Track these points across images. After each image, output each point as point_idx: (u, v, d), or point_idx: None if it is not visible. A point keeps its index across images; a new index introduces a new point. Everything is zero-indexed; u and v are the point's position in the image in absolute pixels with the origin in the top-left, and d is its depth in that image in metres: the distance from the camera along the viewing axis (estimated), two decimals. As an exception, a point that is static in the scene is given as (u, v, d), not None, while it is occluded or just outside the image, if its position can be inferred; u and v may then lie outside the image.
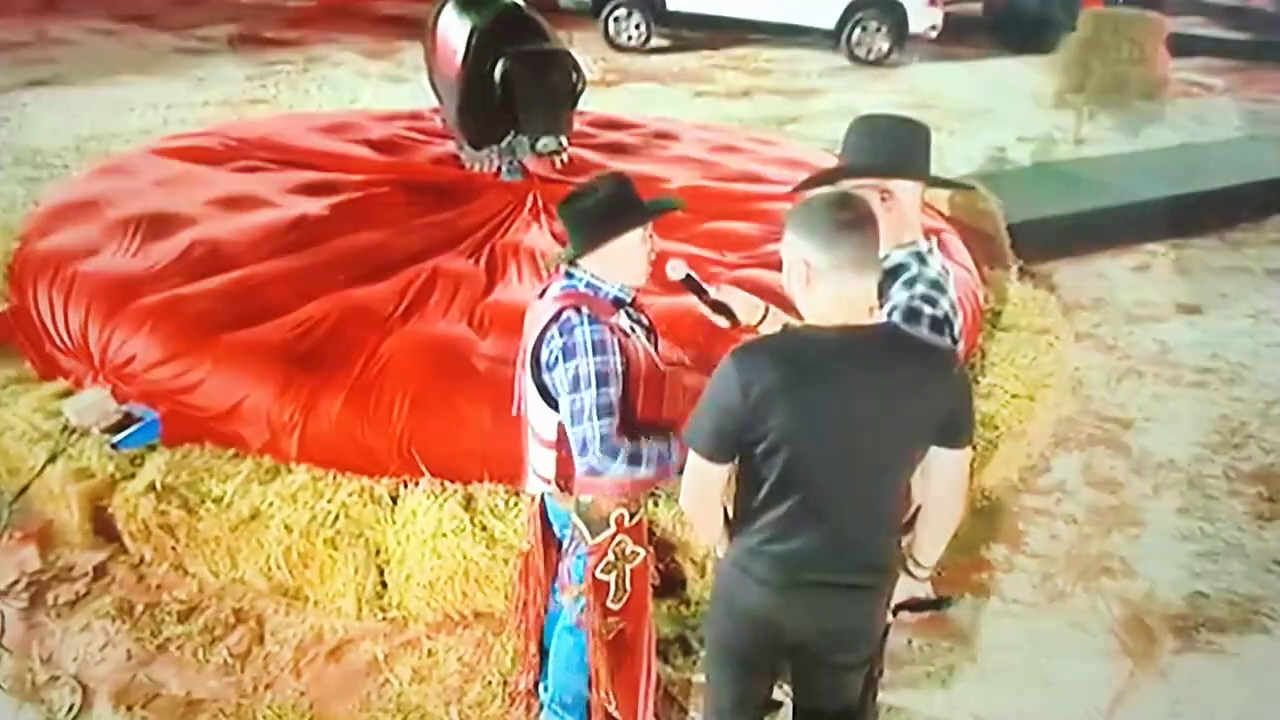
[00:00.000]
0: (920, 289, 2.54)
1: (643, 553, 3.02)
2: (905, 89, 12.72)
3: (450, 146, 6.55)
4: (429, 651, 3.80)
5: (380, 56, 13.08)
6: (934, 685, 3.71)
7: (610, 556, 2.98)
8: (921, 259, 2.62)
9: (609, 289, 2.82)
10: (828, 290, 2.26)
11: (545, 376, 2.78)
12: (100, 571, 4.15)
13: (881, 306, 2.49)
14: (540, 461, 2.95)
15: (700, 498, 2.48)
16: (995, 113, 11.70)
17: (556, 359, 2.71)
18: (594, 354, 2.68)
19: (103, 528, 4.21)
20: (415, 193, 5.92)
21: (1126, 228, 7.81)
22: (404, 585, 3.91)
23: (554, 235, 5.49)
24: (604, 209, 2.78)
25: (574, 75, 5.70)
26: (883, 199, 2.55)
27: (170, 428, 4.36)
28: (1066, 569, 4.35)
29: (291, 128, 7.20)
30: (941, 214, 6.52)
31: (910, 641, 3.87)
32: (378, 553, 3.92)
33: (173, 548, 4.11)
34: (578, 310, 2.72)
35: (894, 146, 2.64)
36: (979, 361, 5.16)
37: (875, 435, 2.28)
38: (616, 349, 2.72)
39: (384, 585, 3.98)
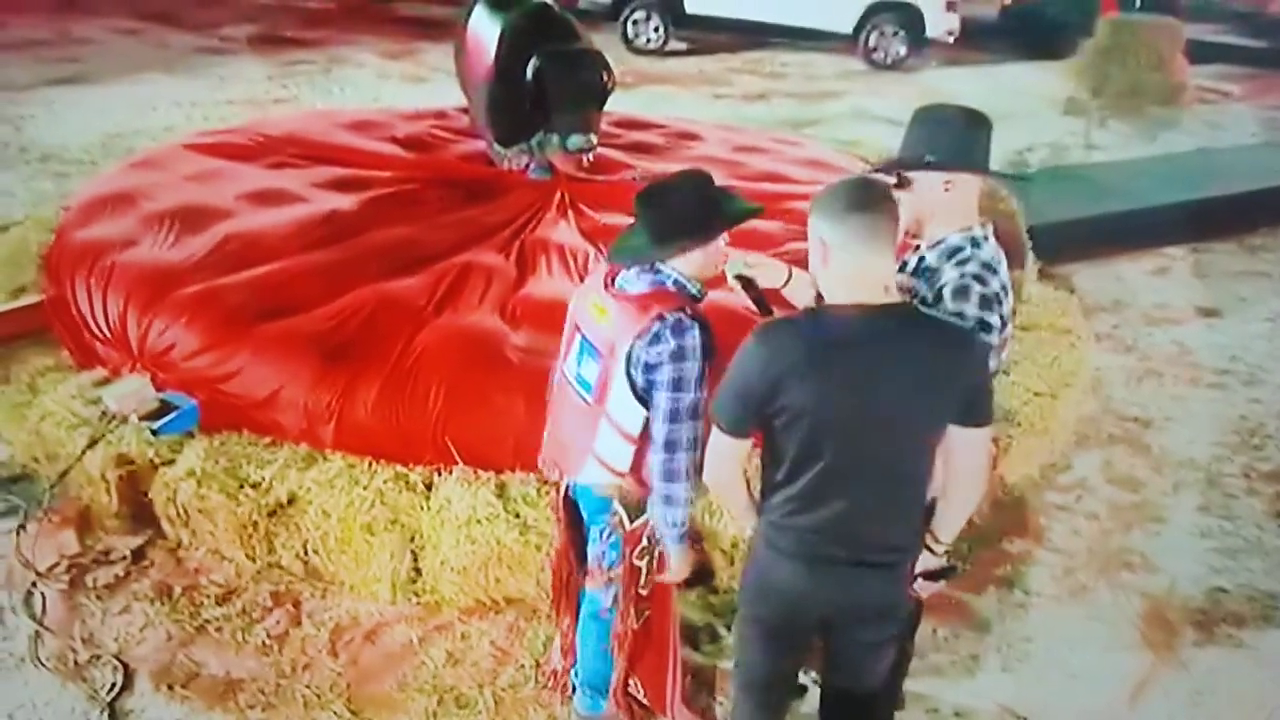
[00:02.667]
0: (972, 268, 2.63)
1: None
2: (921, 93, 12.73)
3: (478, 144, 6.63)
4: (462, 635, 3.88)
5: (400, 57, 13.17)
6: (959, 674, 3.78)
7: (645, 542, 3.06)
8: (976, 242, 2.70)
9: (692, 288, 2.85)
10: (843, 267, 2.36)
11: (638, 373, 2.77)
12: (139, 555, 4.23)
13: (935, 285, 2.61)
14: (614, 453, 2.92)
15: (722, 471, 2.58)
16: (1012, 118, 11.70)
17: (663, 360, 2.71)
18: (700, 357, 2.73)
19: (140, 512, 4.30)
20: (445, 189, 6.00)
21: (1145, 231, 7.86)
22: (438, 570, 3.99)
23: (581, 232, 5.57)
24: (698, 212, 2.80)
25: (604, 74, 5.78)
26: (945, 189, 2.67)
27: (208, 415, 4.44)
28: (1088, 563, 4.41)
29: (319, 125, 7.28)
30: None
31: (935, 631, 3.93)
32: (412, 538, 4.00)
33: (210, 532, 4.19)
34: (685, 313, 2.75)
35: (954, 139, 2.72)
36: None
37: (893, 411, 2.35)
38: (712, 353, 2.77)
39: (418, 570, 4.05)
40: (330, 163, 6.37)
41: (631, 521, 3.04)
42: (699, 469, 2.75)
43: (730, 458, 2.54)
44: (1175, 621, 4.11)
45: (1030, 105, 12.34)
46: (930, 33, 13.91)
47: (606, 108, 6.40)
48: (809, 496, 2.46)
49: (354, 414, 4.25)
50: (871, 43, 13.98)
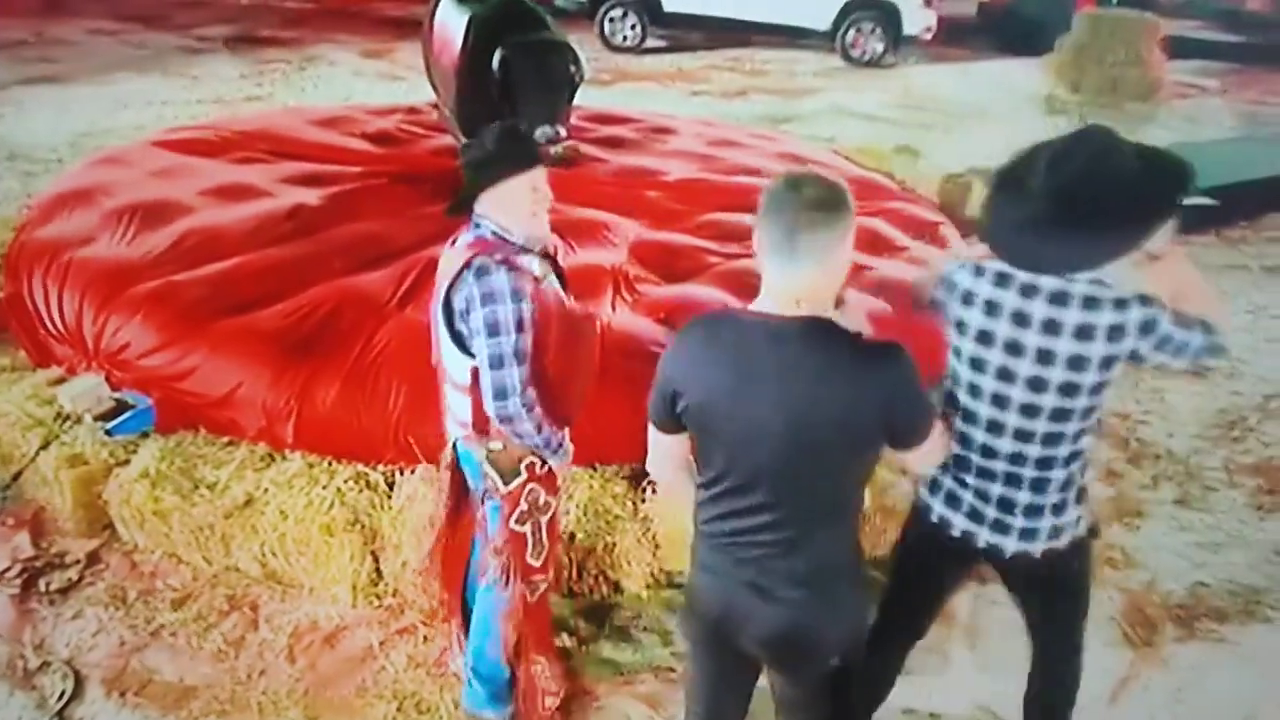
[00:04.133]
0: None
1: (553, 504, 3.09)
2: (899, 90, 12.73)
3: (448, 139, 6.53)
4: (425, 639, 3.76)
5: (376, 56, 13.07)
6: (931, 673, 3.68)
7: (524, 505, 2.99)
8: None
9: (514, 237, 2.84)
10: (762, 269, 2.21)
11: (459, 323, 2.81)
12: (93, 558, 4.12)
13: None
14: (457, 406, 2.97)
15: (655, 462, 2.53)
16: (989, 114, 11.70)
17: (472, 305, 2.73)
18: (510, 300, 2.72)
19: (96, 514, 4.18)
20: (412, 184, 5.89)
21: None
22: (400, 572, 3.89)
23: (551, 226, 5.45)
24: (489, 153, 2.81)
25: (572, 65, 5.69)
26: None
27: (164, 414, 4.34)
28: (1066, 558, 4.33)
29: (289, 121, 7.19)
30: (938, 207, 6.50)
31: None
32: (373, 539, 3.89)
33: (166, 535, 4.08)
34: (491, 256, 2.76)
35: None
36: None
37: (799, 428, 2.17)
38: (528, 296, 2.76)
39: (379, 572, 3.95)
40: (297, 158, 6.26)
41: (505, 484, 2.98)
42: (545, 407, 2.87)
43: (661, 451, 2.47)
44: (1156, 617, 4.03)
45: (1008, 102, 12.29)
46: (908, 30, 13.88)
47: (581, 102, 6.31)
48: (718, 507, 2.35)
49: (313, 412, 4.15)
50: (849, 40, 13.93)
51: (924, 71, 13.83)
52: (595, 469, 4.09)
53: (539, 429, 2.87)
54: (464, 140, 6.00)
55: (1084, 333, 2.40)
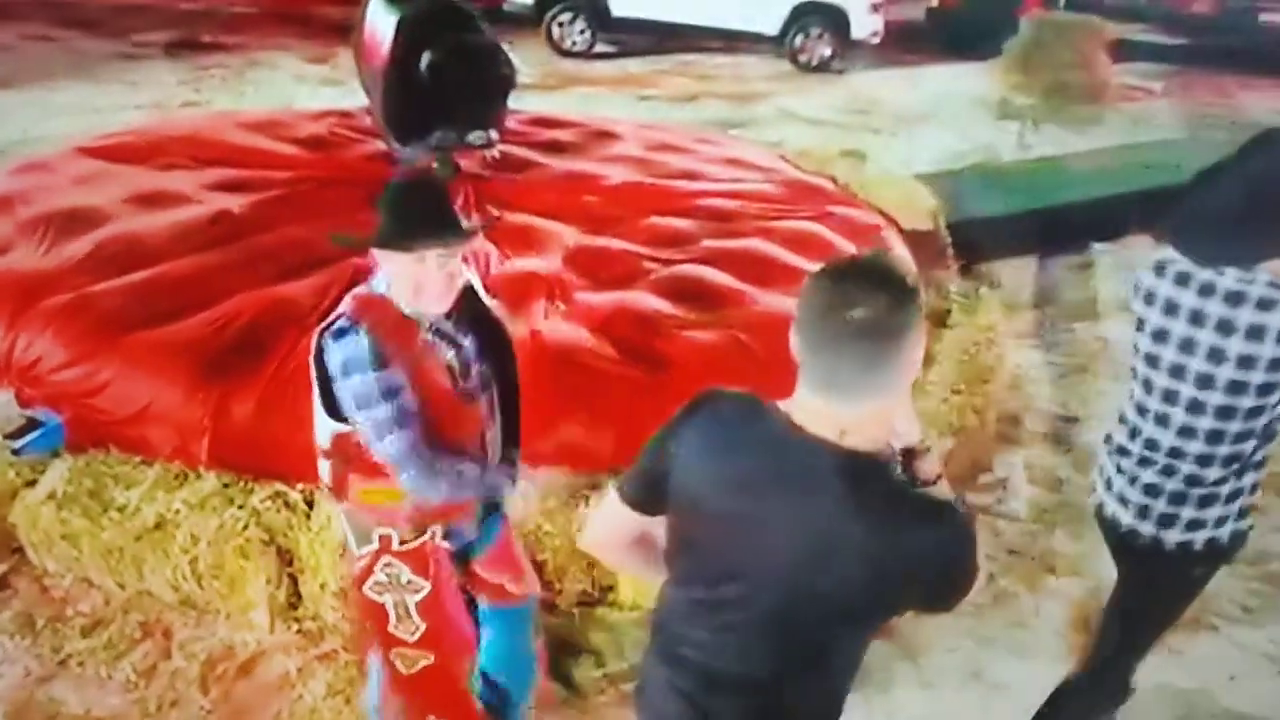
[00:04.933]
0: None
1: (426, 586, 2.73)
2: (847, 94, 12.69)
3: (382, 144, 6.36)
4: (345, 665, 3.61)
5: (318, 60, 12.85)
6: (872, 690, 3.57)
7: (380, 575, 2.73)
8: None
9: (403, 306, 2.51)
10: (801, 380, 1.77)
11: (327, 385, 2.51)
12: (2, 583, 3.94)
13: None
14: (320, 466, 2.71)
15: (600, 535, 2.16)
16: (937, 117, 11.68)
17: (335, 375, 2.46)
18: (373, 368, 2.43)
19: (3, 538, 3.99)
20: (343, 190, 5.70)
21: (1067, 228, 7.75)
22: (319, 595, 3.72)
23: (485, 233, 5.32)
24: (403, 216, 2.46)
25: (504, 67, 5.54)
26: None
27: (75, 432, 4.14)
28: (1010, 568, 4.24)
29: (218, 125, 6.97)
30: (881, 212, 6.42)
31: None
32: (291, 562, 3.74)
33: (76, 559, 3.90)
34: (358, 322, 2.44)
35: None
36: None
37: (808, 573, 1.78)
38: (399, 362, 2.46)
39: (298, 596, 3.80)
40: (224, 164, 6.06)
41: (358, 546, 2.74)
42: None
43: (614, 525, 2.09)
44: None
45: (956, 106, 12.27)
46: (855, 34, 13.84)
47: (527, 107, 6.16)
48: (679, 612, 2.03)
49: (228, 428, 3.97)
50: (798, 45, 13.86)
51: (872, 76, 13.79)
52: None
53: (462, 477, 2.61)
54: (394, 151, 5.89)
55: (1255, 333, 2.47)
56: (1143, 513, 2.81)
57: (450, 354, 2.59)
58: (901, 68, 14.24)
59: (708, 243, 5.33)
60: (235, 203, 5.43)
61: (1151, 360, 2.72)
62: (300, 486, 3.88)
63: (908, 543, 1.73)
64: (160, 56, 12.90)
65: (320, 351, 2.48)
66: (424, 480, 2.53)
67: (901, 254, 5.68)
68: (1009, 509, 4.60)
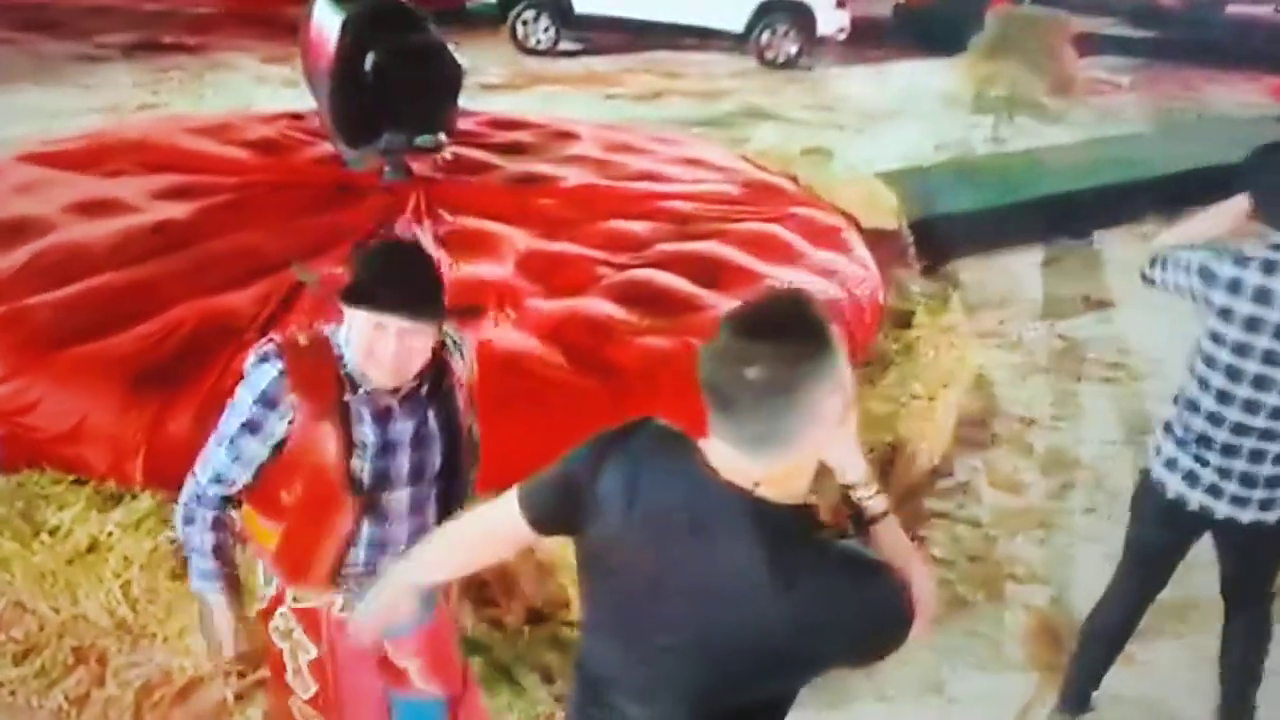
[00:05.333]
0: None
1: (314, 650, 2.55)
2: (814, 92, 12.63)
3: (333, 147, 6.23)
4: (285, 689, 3.49)
5: (279, 61, 12.64)
6: (824, 706, 3.48)
7: (278, 623, 2.58)
8: None
9: (348, 359, 2.30)
10: (712, 433, 1.64)
11: None
12: (-69, 611, 3.80)
13: None
14: None
15: (470, 531, 2.00)
16: (903, 114, 11.64)
17: (240, 385, 2.33)
18: (259, 402, 2.27)
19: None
20: (292, 194, 5.60)
21: (1034, 223, 7.72)
22: (257, 619, 3.60)
23: (436, 238, 5.21)
24: (367, 269, 2.26)
25: (451, 69, 5.42)
26: None
27: (8, 451, 4.00)
28: (969, 575, 4.16)
29: (167, 130, 6.83)
30: (841, 211, 6.34)
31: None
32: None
33: (9, 583, 3.75)
34: (280, 353, 2.29)
35: None
36: (878, 363, 4.98)
37: (722, 629, 1.65)
38: (289, 411, 2.27)
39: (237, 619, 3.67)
40: (172, 170, 5.91)
41: (265, 584, 2.58)
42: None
43: (496, 530, 1.92)
44: (1062, 637, 3.86)
45: (922, 102, 12.23)
46: (822, 31, 13.79)
47: (490, 107, 6.04)
48: (587, 664, 1.90)
49: (164, 445, 3.82)
50: (764, 41, 13.79)
51: (839, 73, 13.73)
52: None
53: (184, 522, 2.44)
54: (344, 152, 5.76)
55: None
56: (1238, 501, 2.97)
57: (368, 431, 2.33)
58: (868, 64, 14.19)
59: (663, 246, 5.23)
60: (180, 210, 5.29)
61: (1240, 349, 2.81)
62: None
63: (827, 600, 1.61)
64: (120, 59, 12.72)
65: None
66: (181, 526, 2.44)
67: (863, 256, 5.60)
68: (969, 514, 4.52)
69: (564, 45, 14.03)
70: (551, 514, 1.83)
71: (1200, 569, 3.97)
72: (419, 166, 5.88)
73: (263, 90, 11.31)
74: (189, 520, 2.44)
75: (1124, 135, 10.86)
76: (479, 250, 5.12)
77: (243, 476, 2.37)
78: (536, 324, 4.46)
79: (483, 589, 3.68)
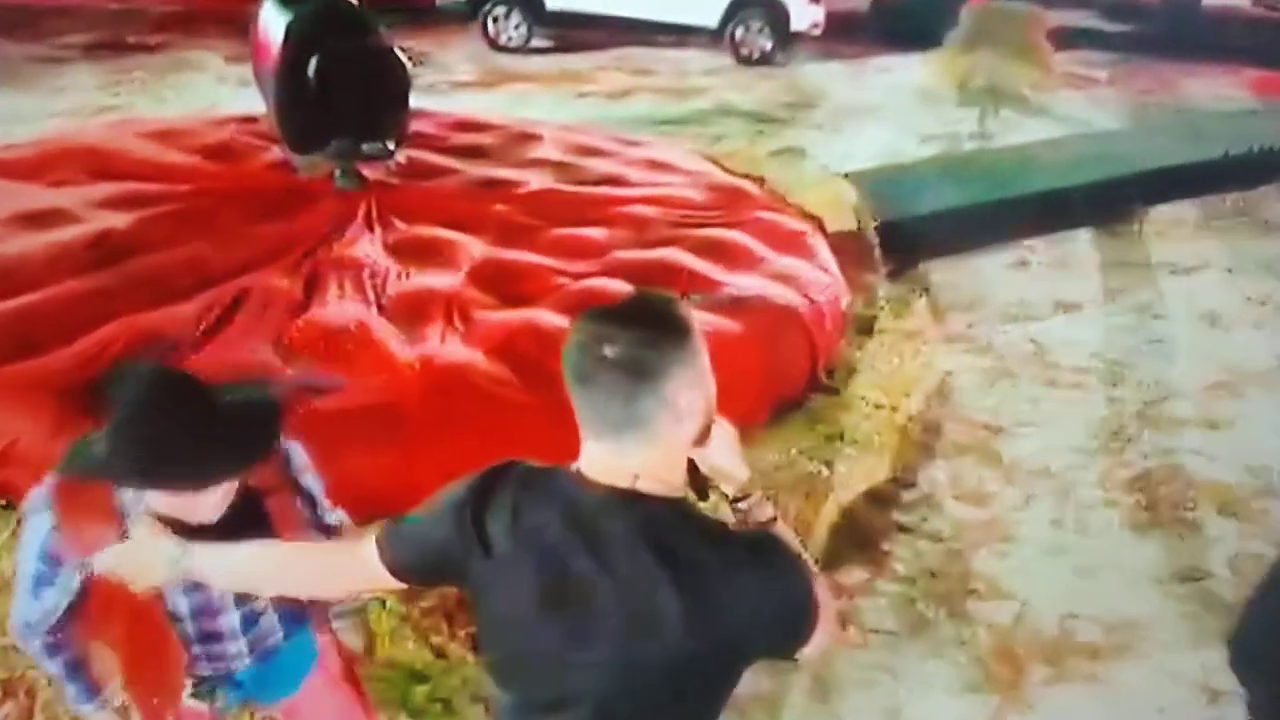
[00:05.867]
0: None
1: None
2: (788, 87, 12.49)
3: (289, 152, 6.09)
4: (219, 723, 3.36)
5: (243, 60, 12.43)
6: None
7: None
8: None
9: (132, 505, 2.02)
10: (581, 433, 1.65)
11: None
12: None
13: None
14: None
15: (303, 555, 1.96)
16: (879, 110, 11.51)
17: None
18: (38, 557, 2.03)
19: None
20: (240, 203, 5.46)
21: (1005, 223, 7.60)
22: (189, 649, 3.47)
23: (386, 247, 5.08)
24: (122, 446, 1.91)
25: (398, 74, 5.28)
26: None
27: (-62, 476, 3.87)
28: (930, 591, 4.04)
29: (120, 136, 6.67)
30: (808, 214, 6.23)
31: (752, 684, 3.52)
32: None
33: (-64, 613, 3.62)
34: (51, 502, 2.02)
35: None
36: (841, 371, 4.88)
37: (627, 641, 1.60)
38: (76, 565, 2.01)
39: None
40: (119, 177, 5.77)
41: None
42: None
43: (358, 579, 1.87)
44: (1023, 656, 3.74)
45: (897, 98, 12.09)
46: (796, 26, 13.65)
47: (459, 106, 5.88)
48: (502, 684, 1.79)
49: (95, 469, 3.70)
50: (738, 37, 13.64)
51: (814, 69, 13.59)
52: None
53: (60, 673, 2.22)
54: (293, 158, 5.60)
55: None
56: None
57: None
58: (843, 60, 14.05)
59: (620, 254, 5.12)
60: (123, 220, 5.15)
61: None
62: (173, 530, 3.62)
63: (725, 587, 1.57)
64: (82, 59, 12.52)
65: None
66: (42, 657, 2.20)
67: (826, 261, 5.49)
68: (931, 528, 4.40)
69: (536, 42, 13.87)
70: (415, 566, 1.78)
71: (1167, 584, 3.90)
72: (374, 172, 5.74)
73: (225, 90, 11.13)
74: (35, 654, 2.22)
75: (1101, 131, 10.76)
76: (431, 258, 5.00)
77: (54, 618, 2.09)
78: (485, 336, 4.33)
79: (425, 616, 3.56)
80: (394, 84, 5.33)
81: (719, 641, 1.60)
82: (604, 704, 1.67)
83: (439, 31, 14.29)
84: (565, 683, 1.68)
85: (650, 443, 1.60)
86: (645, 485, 1.61)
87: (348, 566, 1.86)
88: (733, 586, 1.58)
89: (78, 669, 2.22)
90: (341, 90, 5.04)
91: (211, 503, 1.99)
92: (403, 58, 5.38)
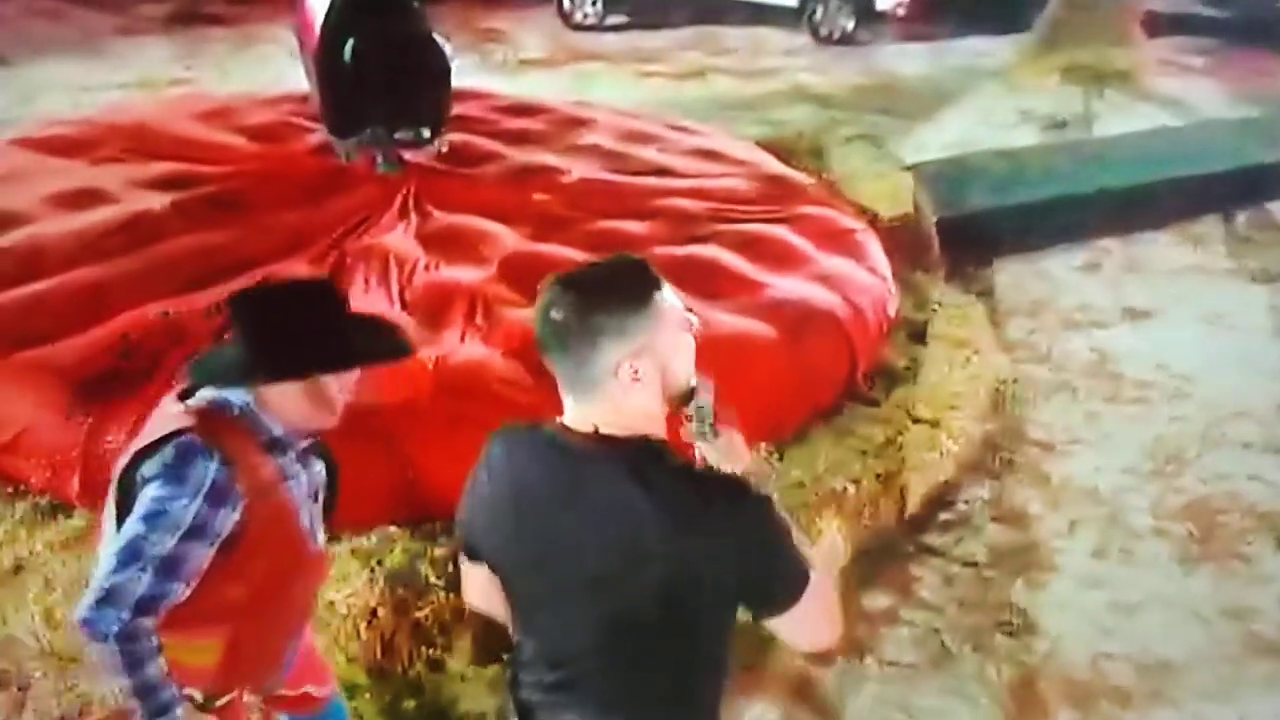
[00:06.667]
0: None
1: None
2: (865, 69, 12.13)
3: (329, 134, 6.00)
4: None
5: (318, 35, 12.51)
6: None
7: None
8: None
9: (272, 428, 2.09)
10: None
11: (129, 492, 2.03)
12: None
13: None
14: None
15: (468, 595, 2.06)
16: (959, 96, 11.11)
17: (153, 481, 1.97)
18: (208, 503, 1.96)
19: None
20: (279, 186, 5.39)
21: (1079, 221, 7.24)
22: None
23: (419, 236, 4.98)
24: (299, 341, 2.03)
25: (437, 60, 5.15)
26: None
27: (-49, 461, 3.86)
28: (956, 622, 3.83)
29: (172, 114, 6.67)
30: (863, 209, 5.98)
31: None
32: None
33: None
34: (207, 446, 1.99)
35: None
36: (882, 381, 4.66)
37: (604, 587, 1.70)
38: (235, 506, 2.00)
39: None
40: (163, 157, 5.75)
41: None
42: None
43: (469, 580, 2.00)
44: (1048, 698, 3.53)
45: (979, 84, 11.65)
46: (879, 5, 13.26)
47: (529, 89, 5.72)
48: (520, 661, 1.91)
49: (100, 460, 3.64)
50: (817, 16, 13.29)
51: (896, 51, 13.16)
52: (409, 528, 3.60)
53: (131, 668, 1.96)
54: (334, 141, 5.51)
55: None
56: None
57: (302, 484, 2.18)
58: (925, 42, 13.59)
59: (658, 250, 4.92)
60: (160, 202, 5.11)
61: None
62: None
63: (701, 519, 1.65)
64: (160, 31, 12.66)
65: (145, 455, 2.00)
66: (111, 650, 1.94)
67: (876, 262, 5.26)
68: (965, 551, 4.18)
69: (611, 20, 13.68)
70: (466, 543, 1.94)
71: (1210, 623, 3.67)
72: (416, 157, 5.63)
73: (295, 66, 11.12)
74: (134, 664, 1.95)
75: (1189, 125, 10.24)
76: (463, 250, 4.88)
77: (177, 593, 1.98)
78: (507, 335, 4.19)
79: (417, 628, 3.45)
80: (432, 69, 5.20)
81: (699, 573, 1.65)
82: (582, 659, 1.78)
83: (517, 7, 14.20)
84: (544, 634, 1.83)
85: (605, 403, 1.70)
86: (607, 430, 1.70)
87: (463, 564, 2.00)
88: (707, 517, 1.64)
89: (167, 672, 2.01)
90: (377, 75, 4.93)
91: (338, 402, 2.10)
92: (442, 42, 5.24)
